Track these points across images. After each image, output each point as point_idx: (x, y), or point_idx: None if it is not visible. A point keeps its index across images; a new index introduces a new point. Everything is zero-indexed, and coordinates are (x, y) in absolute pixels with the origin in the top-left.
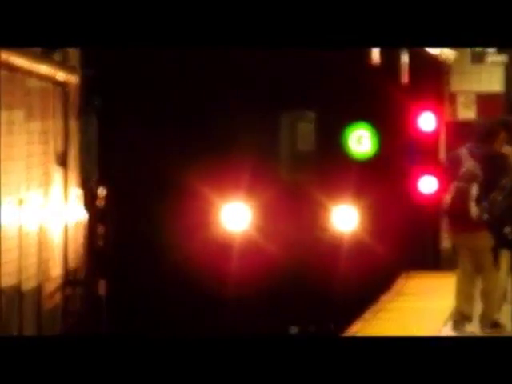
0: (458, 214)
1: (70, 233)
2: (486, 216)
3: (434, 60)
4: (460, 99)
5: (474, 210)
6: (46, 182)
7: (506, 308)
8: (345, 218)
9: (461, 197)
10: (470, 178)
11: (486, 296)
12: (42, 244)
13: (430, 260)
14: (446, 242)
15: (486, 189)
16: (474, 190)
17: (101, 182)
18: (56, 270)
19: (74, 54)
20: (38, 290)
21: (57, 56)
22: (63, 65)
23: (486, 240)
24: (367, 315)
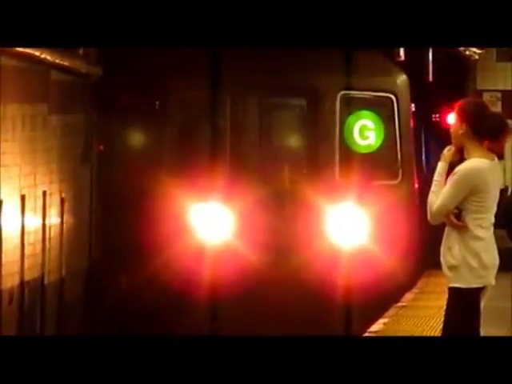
0: None
1: (93, 227)
2: None
3: (459, 57)
4: (485, 97)
5: None
6: (68, 176)
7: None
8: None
9: None
10: None
11: None
12: (64, 237)
13: None
14: None
15: None
16: None
17: (121, 177)
18: (78, 264)
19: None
20: (60, 283)
21: (80, 49)
22: (86, 58)
23: None
24: (390, 312)
